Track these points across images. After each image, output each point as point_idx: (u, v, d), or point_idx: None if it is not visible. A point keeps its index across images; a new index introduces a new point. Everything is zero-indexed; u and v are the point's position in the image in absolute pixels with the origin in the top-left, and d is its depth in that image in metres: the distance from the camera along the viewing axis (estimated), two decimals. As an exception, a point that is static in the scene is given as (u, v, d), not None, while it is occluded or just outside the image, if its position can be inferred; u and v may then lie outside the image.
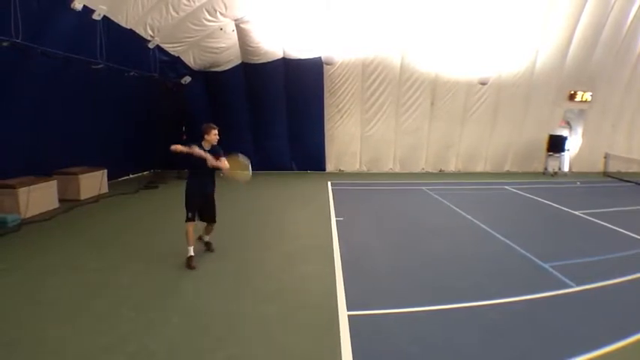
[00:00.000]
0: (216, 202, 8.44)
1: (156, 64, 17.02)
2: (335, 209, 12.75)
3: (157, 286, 6.92)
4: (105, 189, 14.46)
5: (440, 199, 14.50)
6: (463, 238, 10.23)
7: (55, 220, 11.04)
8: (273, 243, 9.49)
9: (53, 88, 12.52)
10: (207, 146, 7.96)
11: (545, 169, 21.90)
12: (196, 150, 7.67)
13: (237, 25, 17.25)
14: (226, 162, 7.94)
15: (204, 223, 8.53)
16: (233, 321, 5.78)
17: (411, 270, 7.97)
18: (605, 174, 21.40)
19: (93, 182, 13.74)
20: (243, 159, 8.32)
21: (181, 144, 7.57)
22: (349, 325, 5.67)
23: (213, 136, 7.98)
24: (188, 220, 7.97)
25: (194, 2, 15.20)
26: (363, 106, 20.22)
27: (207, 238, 8.81)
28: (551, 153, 21.56)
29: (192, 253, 7.94)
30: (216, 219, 8.51)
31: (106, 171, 14.50)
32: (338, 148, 20.78)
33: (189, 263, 7.83)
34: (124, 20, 14.28)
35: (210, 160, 7.77)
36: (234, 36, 17.67)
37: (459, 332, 5.56)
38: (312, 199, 14.38)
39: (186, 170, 8.40)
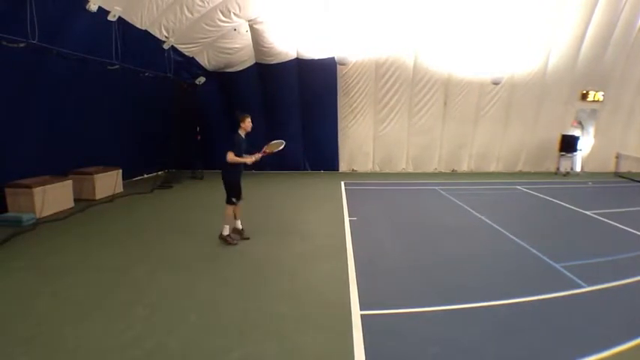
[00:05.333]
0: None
1: (170, 64, 17.12)
2: (348, 209, 12.77)
3: (173, 285, 6.96)
4: (120, 189, 14.58)
5: (452, 199, 14.47)
6: (475, 237, 10.21)
7: (70, 219, 11.16)
8: (287, 243, 9.49)
9: (69, 89, 12.67)
10: (243, 134, 9.01)
11: (558, 169, 21.75)
12: (249, 159, 8.92)
13: (250, 26, 17.31)
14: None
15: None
16: (248, 320, 5.81)
17: (423, 269, 7.96)
18: (617, 174, 21.25)
19: (108, 182, 13.86)
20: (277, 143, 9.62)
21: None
22: (362, 324, 5.68)
23: (248, 123, 9.04)
24: (232, 203, 9.16)
25: (208, 3, 15.27)
26: (377, 106, 20.21)
27: (240, 224, 9.65)
28: (563, 153, 21.37)
29: (228, 232, 9.14)
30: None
31: (121, 171, 14.63)
32: (351, 147, 20.79)
33: (228, 240, 9.09)
34: (138, 21, 14.38)
35: (253, 160, 9.01)
36: (248, 36, 17.74)
37: (470, 332, 5.56)
38: (325, 198, 14.40)
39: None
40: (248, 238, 9.52)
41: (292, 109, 19.70)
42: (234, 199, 9.13)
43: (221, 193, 9.19)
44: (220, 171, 9.23)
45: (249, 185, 9.39)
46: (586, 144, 22.25)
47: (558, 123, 21.43)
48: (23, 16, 10.19)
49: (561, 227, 11.44)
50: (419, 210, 13.28)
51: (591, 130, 22.26)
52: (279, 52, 18.39)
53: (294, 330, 5.57)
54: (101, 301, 6.32)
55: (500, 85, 20.38)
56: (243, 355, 4.96)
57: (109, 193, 13.78)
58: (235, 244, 9.00)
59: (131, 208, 12.79)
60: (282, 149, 9.67)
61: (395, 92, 19.98)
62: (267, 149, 9.33)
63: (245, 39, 17.79)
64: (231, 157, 8.65)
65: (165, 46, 16.50)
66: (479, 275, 7.66)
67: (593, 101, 21.40)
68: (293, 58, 18.76)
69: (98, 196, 13.34)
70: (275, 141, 9.62)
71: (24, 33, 10.30)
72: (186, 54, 17.73)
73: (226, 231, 9.10)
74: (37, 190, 10.97)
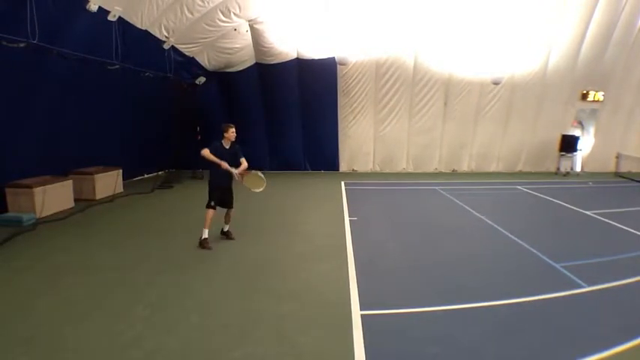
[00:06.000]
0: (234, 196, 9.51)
1: (171, 64, 17.16)
2: (348, 209, 12.77)
3: (173, 285, 6.96)
4: (120, 189, 14.59)
5: (453, 198, 14.47)
6: (476, 237, 10.23)
7: (70, 219, 11.17)
8: (287, 243, 9.51)
9: (69, 89, 12.67)
10: (227, 144, 9.08)
11: (558, 169, 21.78)
12: (224, 164, 8.85)
13: (251, 26, 17.33)
14: (244, 164, 9.16)
15: (223, 215, 9.51)
16: (248, 320, 5.80)
17: (424, 269, 7.97)
18: (617, 174, 21.26)
19: (108, 182, 13.86)
20: (260, 176, 9.31)
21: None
22: (362, 324, 5.68)
23: (232, 133, 9.06)
24: (209, 207, 9.01)
25: (208, 3, 15.29)
26: (377, 106, 20.23)
27: (226, 228, 9.71)
28: (563, 153, 21.40)
29: (206, 236, 8.99)
30: (233, 205, 9.50)
31: (121, 171, 14.63)
32: (351, 147, 20.81)
33: (204, 244, 8.93)
34: (139, 21, 14.40)
35: (228, 169, 8.91)
36: (248, 36, 17.76)
37: (470, 332, 5.56)
38: (325, 198, 14.41)
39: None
40: (233, 239, 9.64)
41: (292, 109, 19.72)
42: (212, 203, 9.06)
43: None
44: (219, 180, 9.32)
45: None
46: (586, 144, 22.27)
47: (558, 123, 21.44)
48: (23, 16, 10.20)
49: (561, 227, 11.45)
50: (419, 210, 13.28)
51: (591, 130, 22.28)
52: (279, 52, 18.40)
53: (295, 330, 5.57)
54: (101, 301, 6.32)
55: (500, 85, 20.40)
56: (243, 355, 4.96)
57: (110, 193, 13.78)
58: (210, 248, 8.87)
59: (131, 208, 12.79)
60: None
61: (395, 92, 19.99)
62: (243, 175, 9.24)
63: (245, 39, 17.80)
64: (205, 152, 8.80)
65: (166, 46, 16.52)
66: (479, 275, 7.66)
67: (594, 101, 21.41)
68: (293, 58, 18.77)
69: (98, 196, 13.34)
70: (254, 174, 9.35)
71: (24, 33, 10.32)
72: (187, 54, 17.75)
73: (204, 235, 9.02)
74: (38, 190, 10.97)
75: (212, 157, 8.76)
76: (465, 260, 8.47)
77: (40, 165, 11.97)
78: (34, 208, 10.83)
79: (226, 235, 9.68)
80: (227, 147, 9.05)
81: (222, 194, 9.25)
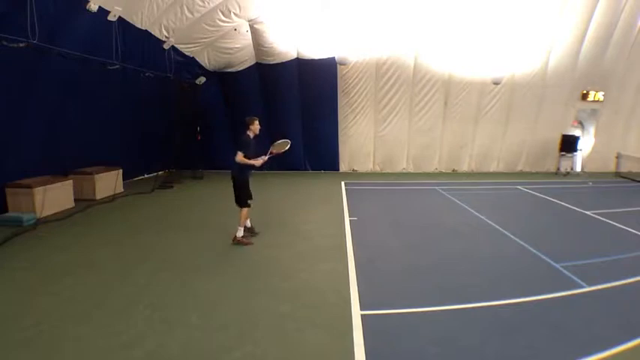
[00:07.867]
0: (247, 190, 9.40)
1: (171, 64, 17.16)
2: (349, 209, 12.76)
3: (173, 285, 6.95)
4: (120, 188, 14.59)
5: (453, 199, 14.46)
6: (476, 238, 10.19)
7: (70, 219, 11.15)
8: (288, 243, 9.48)
9: (69, 89, 12.63)
10: (252, 135, 9.17)
11: (558, 169, 21.75)
12: (259, 161, 9.13)
13: (251, 26, 17.33)
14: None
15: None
16: (248, 320, 5.80)
17: (424, 270, 7.95)
18: (617, 174, 21.21)
19: (108, 182, 13.86)
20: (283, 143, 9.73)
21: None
22: (362, 324, 5.68)
23: (257, 126, 9.27)
24: (249, 206, 9.36)
25: (208, 3, 15.29)
26: (377, 106, 20.21)
27: (249, 222, 9.85)
28: (563, 153, 21.38)
29: (243, 233, 9.23)
30: (241, 204, 9.28)
31: (121, 171, 14.61)
32: (352, 148, 20.78)
33: (246, 240, 9.23)
34: (139, 21, 14.42)
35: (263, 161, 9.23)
36: (249, 36, 17.76)
37: (470, 332, 5.56)
38: (325, 199, 14.38)
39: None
40: (258, 233, 9.88)
41: (293, 109, 19.70)
42: (249, 202, 9.27)
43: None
44: (230, 171, 9.30)
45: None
46: (586, 144, 22.24)
47: (559, 123, 21.42)
48: (23, 16, 10.20)
49: (561, 227, 11.45)
50: (419, 210, 13.26)
51: (592, 130, 22.24)
52: (279, 52, 18.40)
53: (294, 330, 5.56)
54: (101, 301, 6.32)
55: (500, 85, 20.39)
56: (244, 355, 4.96)
57: (110, 193, 13.77)
58: (252, 243, 9.13)
59: (132, 208, 12.77)
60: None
61: (395, 92, 19.98)
62: (273, 150, 9.49)
63: (245, 39, 17.81)
64: (240, 157, 8.78)
65: (166, 46, 16.54)
66: (479, 275, 7.65)
67: (594, 101, 21.38)
68: (293, 58, 18.77)
69: (98, 196, 13.33)
70: (280, 141, 9.68)
71: (24, 33, 10.32)
72: (187, 54, 17.76)
73: (240, 233, 9.17)
74: (38, 190, 10.96)
75: (247, 161, 8.91)
76: (465, 260, 8.47)
77: (40, 165, 11.95)
78: (34, 208, 10.82)
79: (251, 232, 9.86)
80: (252, 139, 9.21)
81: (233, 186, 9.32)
